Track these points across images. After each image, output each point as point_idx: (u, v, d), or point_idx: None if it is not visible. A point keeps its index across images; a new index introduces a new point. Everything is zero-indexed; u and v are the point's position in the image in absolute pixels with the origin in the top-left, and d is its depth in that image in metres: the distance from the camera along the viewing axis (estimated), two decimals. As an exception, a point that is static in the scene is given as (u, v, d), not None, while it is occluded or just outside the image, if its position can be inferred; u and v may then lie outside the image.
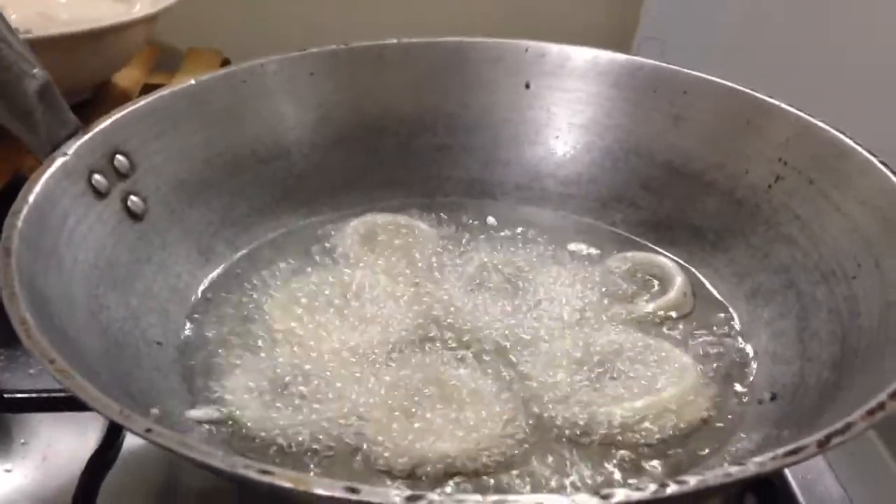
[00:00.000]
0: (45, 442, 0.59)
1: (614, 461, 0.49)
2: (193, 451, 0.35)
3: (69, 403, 0.53)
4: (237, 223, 0.66)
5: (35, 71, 0.54)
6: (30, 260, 0.47)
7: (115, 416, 0.37)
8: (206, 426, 0.50)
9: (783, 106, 0.64)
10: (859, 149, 0.58)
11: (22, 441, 0.58)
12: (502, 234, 0.68)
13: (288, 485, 0.33)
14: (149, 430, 0.36)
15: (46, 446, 0.58)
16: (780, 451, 0.36)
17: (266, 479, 0.33)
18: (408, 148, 0.73)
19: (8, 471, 0.56)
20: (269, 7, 1.17)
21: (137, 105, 0.61)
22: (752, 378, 0.55)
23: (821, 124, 0.61)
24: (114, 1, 0.98)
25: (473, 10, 1.20)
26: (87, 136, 0.57)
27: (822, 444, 0.36)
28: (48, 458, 0.58)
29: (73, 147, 0.55)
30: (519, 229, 0.69)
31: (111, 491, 0.54)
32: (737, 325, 0.60)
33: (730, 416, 0.52)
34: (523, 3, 1.20)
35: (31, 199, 0.51)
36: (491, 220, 0.70)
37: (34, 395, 0.55)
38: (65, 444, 0.58)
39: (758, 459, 0.35)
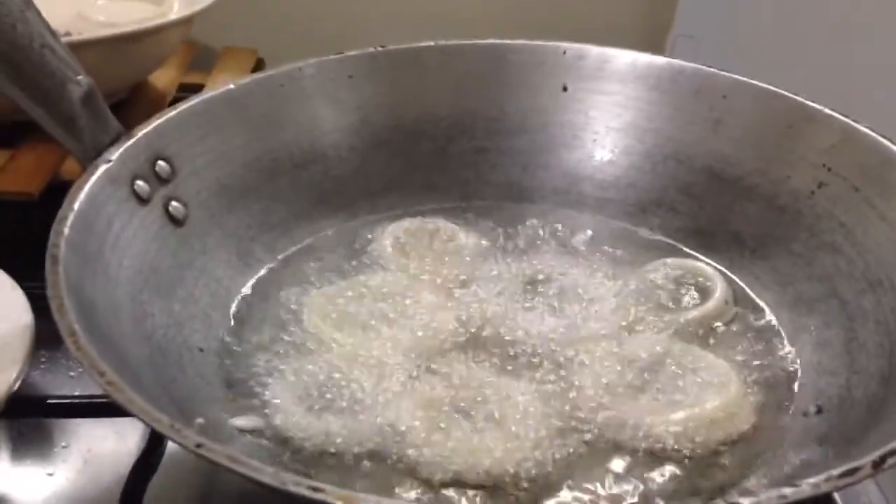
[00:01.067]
0: (85, 445, 0.59)
1: (658, 475, 0.49)
2: (244, 467, 0.35)
3: (113, 409, 0.53)
4: (276, 227, 0.66)
5: (79, 77, 0.55)
6: (77, 267, 0.48)
7: (166, 430, 0.37)
8: (250, 435, 0.50)
9: (826, 111, 0.63)
10: (906, 157, 0.57)
11: (63, 444, 0.59)
12: (540, 239, 0.68)
13: (338, 502, 0.33)
14: (199, 446, 0.36)
15: (87, 450, 0.59)
16: (836, 472, 0.35)
17: (318, 496, 0.33)
18: (445, 151, 0.73)
19: (50, 475, 0.57)
20: (303, 5, 1.18)
21: (178, 110, 0.61)
22: (796, 390, 0.54)
23: (866, 130, 0.60)
24: (147, 2, 0.99)
25: (506, 7, 1.20)
26: (129, 142, 0.57)
27: (878, 465, 0.36)
28: (89, 461, 0.58)
29: (116, 153, 0.56)
30: (557, 234, 0.69)
31: (155, 494, 0.55)
32: (780, 334, 0.59)
33: (774, 429, 0.52)
34: (555, 1, 1.19)
35: (77, 205, 0.51)
36: (529, 224, 0.70)
37: (78, 400, 0.56)
38: (106, 447, 0.59)
39: (812, 480, 0.35)
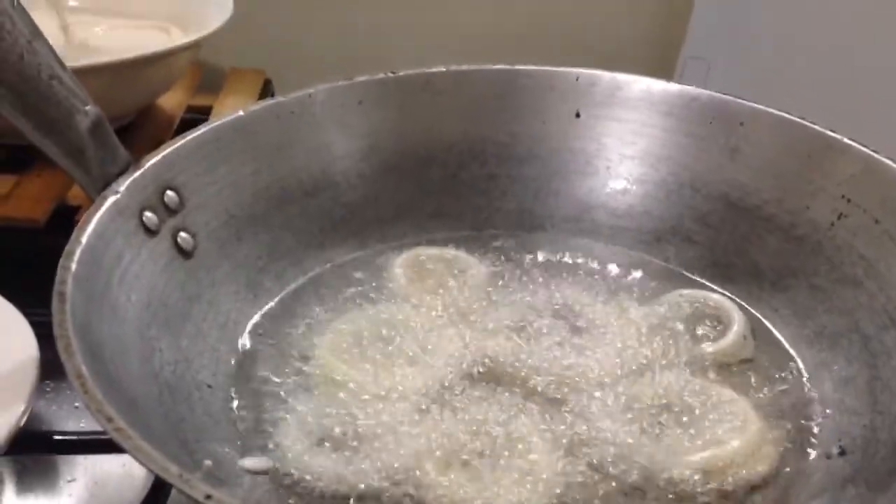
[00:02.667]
0: (91, 479, 0.58)
1: (678, 518, 0.48)
2: (256, 520, 0.34)
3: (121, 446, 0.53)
4: (285, 257, 0.65)
5: (87, 108, 0.54)
6: (84, 303, 0.47)
7: (175, 480, 0.36)
8: (260, 476, 0.49)
9: (845, 140, 0.62)
10: (927, 190, 0.56)
11: (69, 479, 0.58)
12: (553, 269, 0.67)
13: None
14: (209, 497, 0.35)
15: (93, 483, 0.58)
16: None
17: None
18: (456, 178, 0.72)
19: (56, 510, 0.56)
20: (311, 26, 1.17)
21: (186, 139, 0.60)
22: (818, 430, 0.53)
23: (886, 161, 0.59)
24: (153, 29, 0.98)
25: (516, 28, 1.19)
26: (138, 173, 0.56)
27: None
28: (96, 495, 0.57)
29: (124, 185, 0.55)
30: (570, 264, 0.68)
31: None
32: (801, 370, 0.58)
33: (797, 472, 0.50)
34: (566, 21, 1.19)
35: (85, 239, 0.50)
36: (541, 253, 0.69)
37: (85, 436, 0.55)
38: (113, 481, 0.58)
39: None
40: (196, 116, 0.94)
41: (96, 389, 0.40)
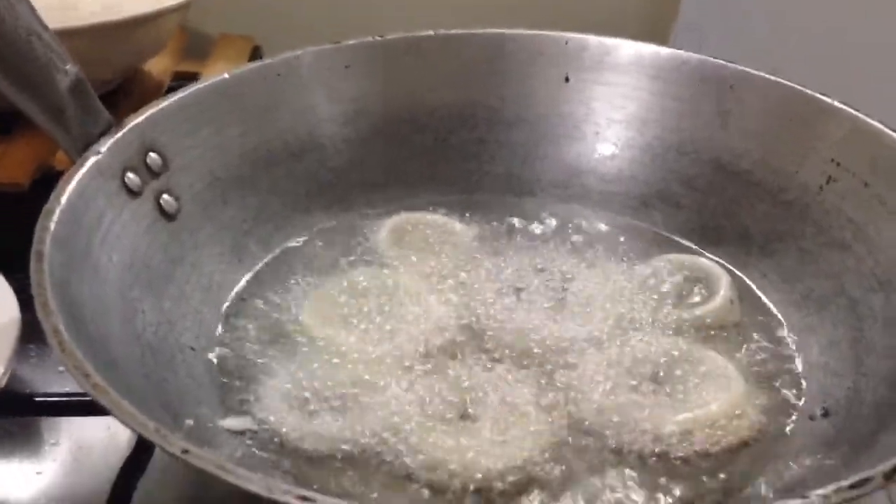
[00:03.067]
0: (75, 443, 0.58)
1: (660, 479, 0.47)
2: (231, 475, 0.34)
3: (103, 407, 0.52)
4: (271, 221, 0.64)
5: (67, 67, 0.53)
6: (63, 263, 0.46)
7: (152, 435, 0.36)
8: (242, 437, 0.48)
9: (836, 104, 0.61)
10: (918, 152, 0.56)
11: (52, 442, 0.58)
12: (540, 233, 0.67)
13: (329, 513, 0.32)
14: (185, 451, 0.35)
15: (77, 447, 0.58)
16: (845, 483, 0.34)
17: (307, 507, 0.32)
18: (444, 143, 0.71)
19: (38, 473, 0.56)
20: (302, -7, 1.16)
21: (170, 100, 0.60)
22: (802, 391, 0.53)
23: (876, 124, 0.59)
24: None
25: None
26: (120, 134, 0.55)
27: (889, 477, 0.35)
28: (79, 459, 0.57)
29: (106, 145, 0.54)
30: (557, 228, 0.67)
31: (146, 491, 0.53)
32: (786, 333, 0.58)
33: (780, 433, 0.50)
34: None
35: (64, 199, 0.50)
36: (529, 218, 0.68)
37: (67, 398, 0.55)
38: (96, 444, 0.58)
39: (822, 492, 0.34)
40: (183, 83, 0.93)
41: (74, 347, 0.39)
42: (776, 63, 0.67)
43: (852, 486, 0.34)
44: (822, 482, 0.36)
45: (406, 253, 0.63)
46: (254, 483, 0.33)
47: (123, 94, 0.90)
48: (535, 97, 0.71)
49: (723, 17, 1.11)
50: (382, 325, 0.56)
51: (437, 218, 0.66)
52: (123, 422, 0.36)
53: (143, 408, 0.39)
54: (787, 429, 0.51)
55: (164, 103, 0.59)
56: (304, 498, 0.32)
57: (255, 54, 1.05)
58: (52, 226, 0.47)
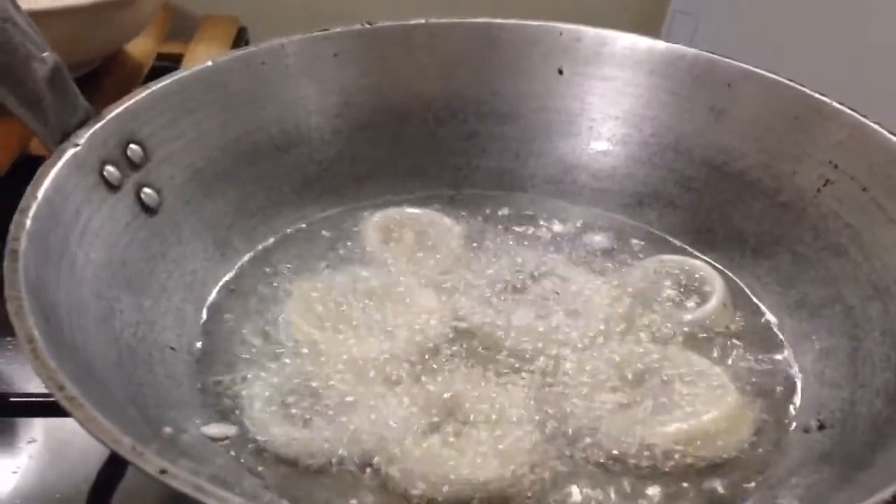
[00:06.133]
0: (53, 440, 0.57)
1: (649, 493, 0.46)
2: (210, 497, 0.32)
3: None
4: (255, 215, 0.63)
5: (44, 55, 0.51)
6: (39, 262, 0.45)
7: (127, 453, 0.34)
8: (222, 443, 0.47)
9: (835, 104, 0.60)
10: (918, 157, 0.54)
11: (28, 440, 0.56)
12: (531, 231, 0.65)
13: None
14: (163, 472, 0.33)
15: (55, 445, 0.56)
16: (847, 512, 0.33)
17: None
18: (435, 135, 0.69)
19: (15, 471, 0.54)
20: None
21: (151, 90, 0.58)
22: (797, 402, 0.52)
23: (875, 127, 0.58)
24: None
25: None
26: (98, 125, 0.53)
27: (893, 505, 0.34)
28: (56, 455, 0.56)
29: (84, 136, 0.52)
30: (549, 226, 0.66)
31: (126, 490, 0.52)
32: (781, 340, 0.57)
33: (774, 446, 0.49)
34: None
35: (41, 194, 0.48)
36: (520, 215, 0.67)
37: (42, 398, 0.53)
38: (75, 442, 0.56)
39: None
40: (166, 65, 0.91)
41: (47, 355, 0.38)
42: (771, 48, 0.65)
43: (854, 516, 0.33)
44: (817, 502, 0.34)
45: (393, 250, 0.62)
46: (234, 506, 0.32)
47: (103, 75, 0.88)
48: (527, 90, 0.69)
49: (717, 2, 1.09)
50: (368, 326, 0.54)
51: (425, 213, 0.65)
52: (98, 439, 0.35)
53: (120, 418, 0.37)
54: (782, 442, 0.50)
55: (145, 93, 0.57)
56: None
57: (241, 36, 1.02)
58: (28, 222, 0.46)
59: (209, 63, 0.62)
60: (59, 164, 0.50)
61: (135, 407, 0.44)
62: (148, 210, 0.55)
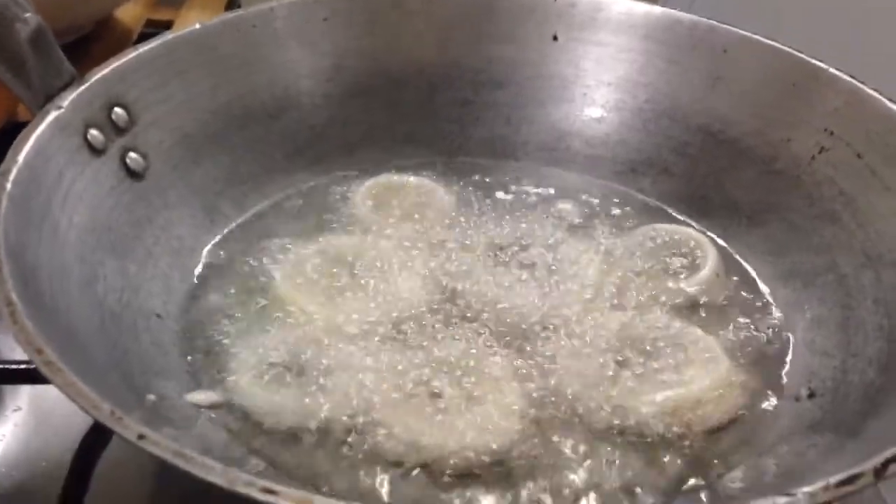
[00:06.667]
0: (38, 407, 0.56)
1: (639, 461, 0.46)
2: (189, 463, 0.32)
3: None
4: (245, 181, 0.62)
5: (27, 15, 0.50)
6: (20, 226, 0.44)
7: (106, 419, 0.34)
8: (208, 411, 0.47)
9: (831, 70, 0.59)
10: (915, 124, 0.54)
11: (14, 408, 0.56)
12: (525, 198, 0.65)
13: (292, 506, 0.30)
14: (142, 437, 0.33)
15: (39, 413, 0.56)
16: (833, 480, 0.33)
17: (270, 498, 0.30)
18: (427, 102, 0.68)
19: (0, 439, 0.54)
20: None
21: (138, 52, 0.57)
22: (788, 370, 0.52)
23: (872, 93, 0.57)
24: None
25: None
26: (82, 87, 0.53)
27: (880, 473, 0.33)
28: (42, 423, 0.55)
29: (67, 99, 0.51)
30: (542, 194, 0.65)
31: (110, 457, 0.52)
32: (773, 309, 0.56)
33: (764, 414, 0.49)
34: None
35: (22, 157, 0.47)
36: (513, 182, 0.66)
37: (26, 366, 0.52)
38: (61, 409, 0.56)
39: (809, 489, 0.32)
40: (156, 31, 0.89)
41: (27, 319, 0.37)
42: (770, 15, 0.64)
43: (840, 484, 0.32)
44: (807, 470, 0.34)
45: (384, 217, 0.61)
46: (214, 474, 0.31)
47: (92, 41, 0.87)
48: (522, 56, 0.68)
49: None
50: (358, 293, 0.54)
51: (417, 181, 0.64)
52: (78, 404, 0.34)
53: (101, 384, 0.37)
54: (771, 410, 0.49)
55: (131, 55, 0.56)
56: (267, 490, 0.31)
57: (233, 3, 1.01)
58: (9, 186, 0.45)
59: (198, 26, 0.61)
60: (42, 126, 0.49)
61: (118, 373, 0.44)
62: (133, 175, 0.55)
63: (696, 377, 0.49)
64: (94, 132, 0.52)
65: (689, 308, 0.56)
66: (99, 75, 0.54)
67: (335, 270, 0.55)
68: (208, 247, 0.58)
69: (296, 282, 0.54)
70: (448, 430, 0.45)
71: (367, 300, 0.53)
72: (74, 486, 0.50)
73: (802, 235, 0.58)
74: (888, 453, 0.34)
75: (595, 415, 0.48)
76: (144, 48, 0.57)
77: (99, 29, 0.88)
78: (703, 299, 0.56)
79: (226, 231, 0.60)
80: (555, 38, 0.68)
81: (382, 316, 0.52)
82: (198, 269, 0.56)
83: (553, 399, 0.48)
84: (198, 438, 0.44)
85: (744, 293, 0.57)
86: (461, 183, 0.65)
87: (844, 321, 0.52)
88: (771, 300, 0.57)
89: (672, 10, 0.66)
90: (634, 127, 0.67)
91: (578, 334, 0.52)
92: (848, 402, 0.47)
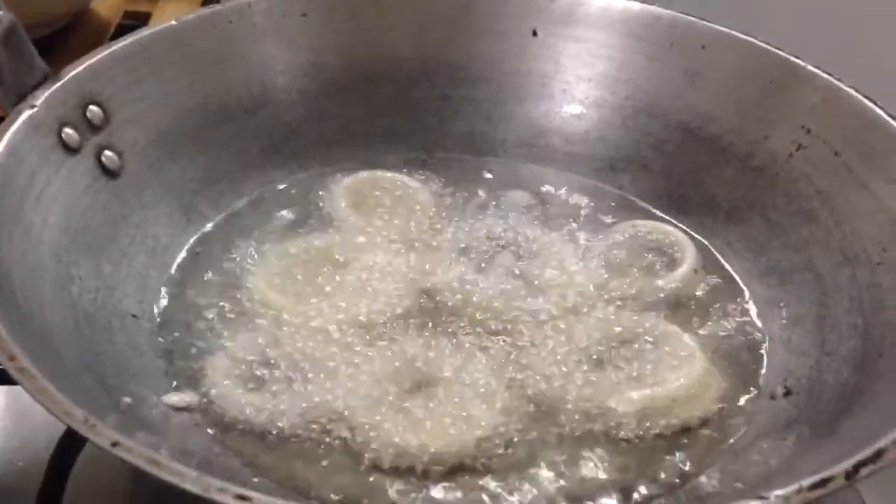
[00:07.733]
0: (15, 407, 0.55)
1: (613, 460, 0.46)
2: (163, 470, 0.32)
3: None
4: (222, 179, 0.61)
5: (-1, 13, 0.49)
6: (-10, 228, 0.43)
7: (80, 426, 0.33)
8: (185, 413, 0.46)
9: (809, 67, 0.59)
10: (891, 121, 0.54)
11: (-10, 410, 0.55)
12: (503, 196, 0.64)
13: (267, 513, 0.30)
14: (115, 444, 0.33)
15: (17, 411, 0.55)
16: (806, 482, 0.33)
17: (243, 506, 0.30)
18: (406, 98, 0.68)
19: (-24, 440, 0.54)
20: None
21: (112, 49, 0.56)
22: (764, 369, 0.52)
23: (849, 90, 0.57)
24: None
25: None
26: (56, 85, 0.52)
27: (851, 476, 0.34)
28: (17, 423, 0.55)
29: (41, 97, 0.51)
30: (521, 192, 0.65)
31: (88, 458, 0.51)
32: (750, 306, 0.56)
33: (739, 413, 0.49)
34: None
35: (-7, 157, 0.46)
36: (492, 179, 0.66)
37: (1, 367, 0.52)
38: (37, 408, 0.55)
39: (781, 493, 0.32)
40: (134, 24, 0.89)
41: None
42: (750, 12, 0.64)
43: (813, 487, 0.33)
44: (781, 469, 0.34)
45: (363, 216, 0.60)
46: (188, 481, 0.31)
47: (68, 34, 0.85)
48: (501, 51, 0.68)
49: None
50: (334, 292, 0.54)
51: (395, 177, 0.64)
52: (51, 411, 0.34)
53: (75, 388, 0.37)
54: (747, 408, 0.50)
55: (106, 52, 0.56)
56: (241, 497, 0.31)
57: (212, -4, 1.00)
58: (-22, 187, 0.44)
59: (173, 21, 0.60)
60: (14, 126, 0.49)
61: (93, 376, 0.43)
62: (109, 173, 0.54)
63: (673, 377, 0.49)
64: (68, 130, 0.52)
65: (667, 305, 0.56)
66: (73, 73, 0.53)
67: (314, 270, 0.55)
68: (185, 245, 0.58)
69: (273, 281, 0.54)
70: (426, 430, 0.45)
71: (344, 300, 0.53)
72: (52, 486, 0.50)
73: (780, 233, 0.58)
74: (860, 456, 0.34)
75: (570, 413, 0.48)
76: (119, 44, 0.57)
77: (76, 21, 0.87)
78: (681, 296, 0.56)
79: (202, 230, 0.59)
80: (534, 33, 0.68)
81: (360, 315, 0.52)
82: (174, 269, 0.56)
83: (531, 400, 0.48)
84: (175, 440, 0.43)
85: (721, 290, 0.58)
86: (439, 180, 0.65)
87: (820, 319, 0.52)
88: (748, 297, 0.57)
89: (651, 7, 0.66)
90: (614, 124, 0.67)
91: (555, 333, 0.52)
92: (822, 400, 0.47)
